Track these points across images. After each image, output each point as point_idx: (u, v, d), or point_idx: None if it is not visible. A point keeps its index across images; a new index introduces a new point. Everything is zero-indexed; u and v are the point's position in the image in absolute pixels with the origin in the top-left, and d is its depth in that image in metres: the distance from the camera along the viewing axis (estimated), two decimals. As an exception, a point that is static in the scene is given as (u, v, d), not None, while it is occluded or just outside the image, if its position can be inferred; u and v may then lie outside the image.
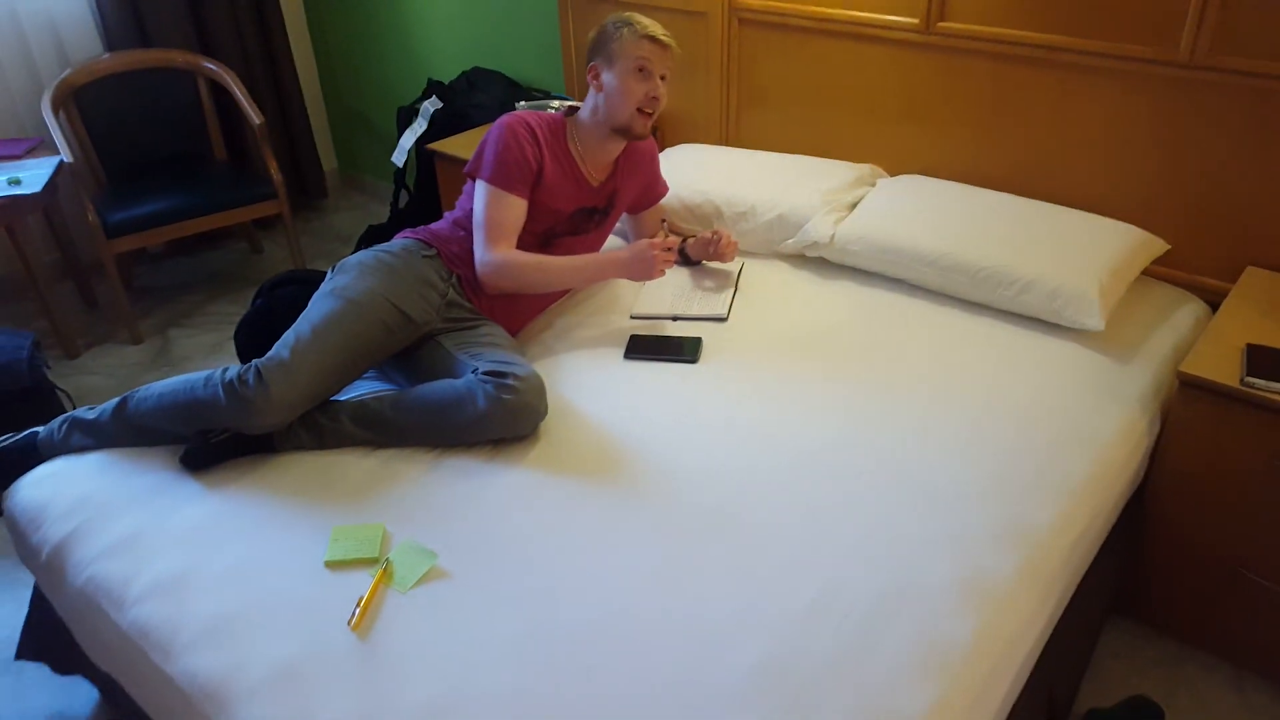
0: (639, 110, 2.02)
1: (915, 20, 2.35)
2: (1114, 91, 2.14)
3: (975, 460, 1.64)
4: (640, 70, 2.00)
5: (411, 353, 1.94)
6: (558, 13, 3.13)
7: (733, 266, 2.32)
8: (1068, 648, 1.71)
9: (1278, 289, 2.01)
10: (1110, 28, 2.08)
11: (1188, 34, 1.98)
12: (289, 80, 4.03)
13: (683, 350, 1.97)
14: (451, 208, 2.80)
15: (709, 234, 2.28)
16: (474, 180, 2.03)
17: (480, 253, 1.97)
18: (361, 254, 1.99)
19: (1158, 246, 2.15)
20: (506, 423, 1.69)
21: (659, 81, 2.02)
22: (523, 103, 3.02)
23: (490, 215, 1.98)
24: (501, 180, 1.98)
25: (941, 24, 2.31)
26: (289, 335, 1.77)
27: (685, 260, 2.35)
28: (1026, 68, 2.23)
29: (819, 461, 1.64)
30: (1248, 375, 1.69)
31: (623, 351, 1.99)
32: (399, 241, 2.04)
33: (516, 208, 2.00)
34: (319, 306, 1.84)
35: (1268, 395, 1.66)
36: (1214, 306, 2.12)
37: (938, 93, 2.40)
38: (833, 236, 2.26)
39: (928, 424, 1.73)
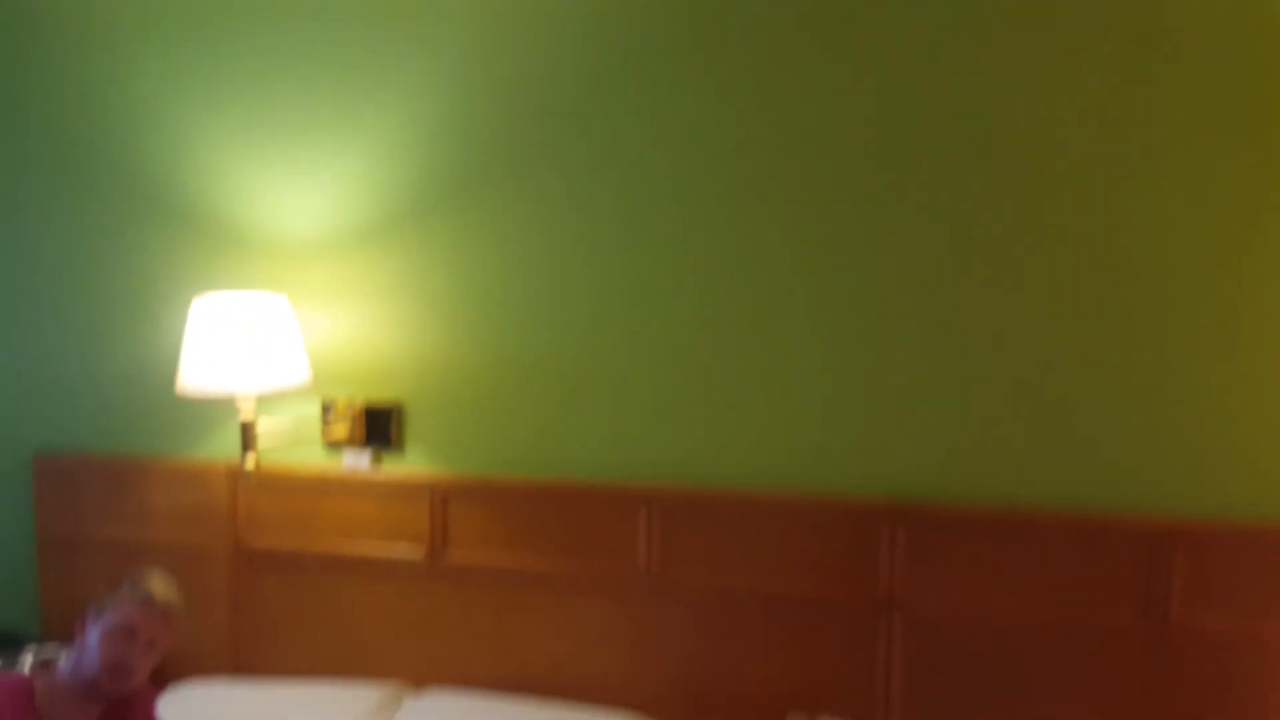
0: (112, 672, 1.89)
1: (420, 555, 2.56)
2: (596, 601, 2.48)
3: None
4: (123, 632, 1.90)
5: None
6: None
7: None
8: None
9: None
10: (584, 550, 2.47)
11: (641, 554, 2.43)
12: None
13: None
14: None
15: None
16: None
17: None
18: None
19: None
20: None
21: (139, 648, 1.91)
22: None
23: None
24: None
25: (446, 558, 2.55)
26: None
27: None
28: (525, 588, 2.51)
29: None
30: None
31: None
32: None
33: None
34: None
35: None
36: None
37: (451, 613, 2.57)
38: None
39: None
